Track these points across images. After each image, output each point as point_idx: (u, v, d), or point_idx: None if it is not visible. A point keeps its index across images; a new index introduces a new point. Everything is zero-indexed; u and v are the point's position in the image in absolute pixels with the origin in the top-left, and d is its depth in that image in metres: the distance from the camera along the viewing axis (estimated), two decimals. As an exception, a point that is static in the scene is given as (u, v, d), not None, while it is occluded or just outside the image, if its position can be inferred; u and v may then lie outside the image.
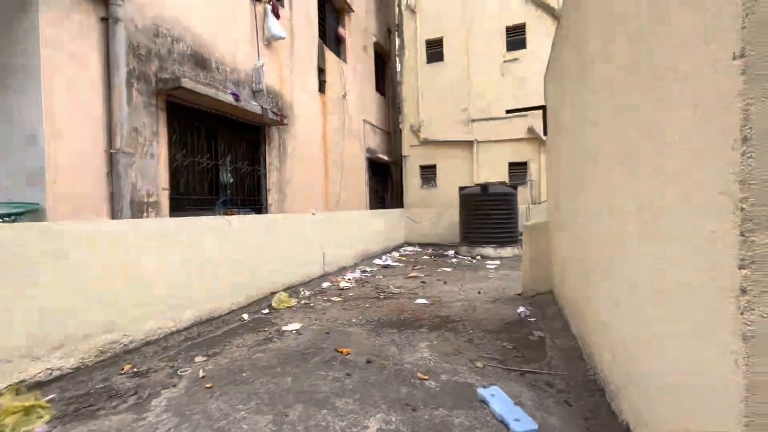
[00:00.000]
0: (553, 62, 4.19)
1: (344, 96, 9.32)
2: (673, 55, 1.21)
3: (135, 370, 2.88)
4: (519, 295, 5.01)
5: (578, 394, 2.32)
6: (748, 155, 0.86)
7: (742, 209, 0.87)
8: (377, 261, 8.14)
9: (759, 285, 0.86)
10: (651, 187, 1.43)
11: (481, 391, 2.33)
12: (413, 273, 6.75)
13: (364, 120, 10.79)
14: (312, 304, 4.81)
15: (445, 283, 5.90)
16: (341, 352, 3.14)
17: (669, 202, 1.26)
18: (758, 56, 0.84)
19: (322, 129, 8.39)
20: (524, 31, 10.77)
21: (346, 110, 9.52)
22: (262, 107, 5.72)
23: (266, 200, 6.39)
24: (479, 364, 2.85)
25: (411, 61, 11.90)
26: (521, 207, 9.89)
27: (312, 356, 3.10)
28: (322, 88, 8.34)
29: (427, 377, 2.64)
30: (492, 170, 11.03)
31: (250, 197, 6.10)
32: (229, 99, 5.03)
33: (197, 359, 3.10)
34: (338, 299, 5.03)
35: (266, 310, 4.50)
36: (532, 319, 3.95)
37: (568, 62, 3.15)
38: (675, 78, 1.20)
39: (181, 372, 2.85)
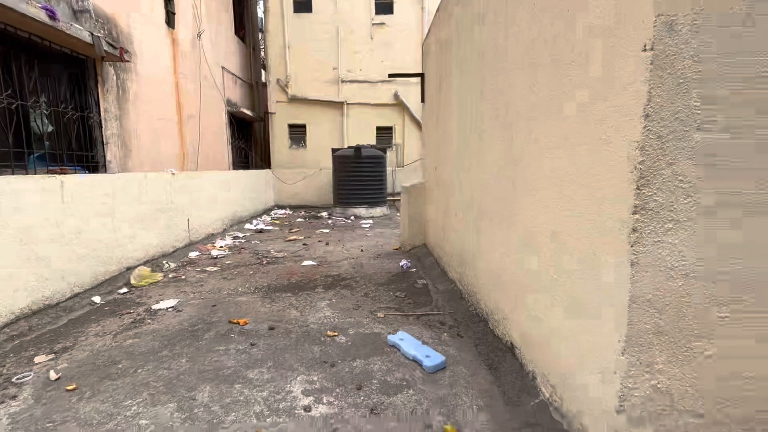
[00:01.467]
0: (437, 32, 4.44)
1: (199, 35, 7.94)
2: (590, 42, 1.46)
3: (-63, 387, 2.08)
4: (397, 249, 5.46)
5: (466, 327, 2.75)
6: (648, 128, 1.13)
7: (640, 169, 1.16)
8: (249, 226, 7.60)
9: (646, 225, 1.17)
10: (562, 153, 1.73)
11: (390, 337, 2.54)
12: (292, 236, 6.58)
13: (223, 67, 9.48)
14: (183, 277, 4.23)
15: (327, 244, 5.96)
16: (237, 323, 2.92)
17: (583, 161, 1.56)
18: (662, 50, 1.10)
19: (173, 71, 7.04)
20: (391, -5, 10.95)
21: (202, 53, 8.17)
22: (92, 34, 4.42)
23: (104, 156, 5.13)
24: (380, 315, 3.06)
25: (276, 6, 10.83)
26: (388, 169, 10.54)
27: (203, 332, 2.79)
28: (170, 22, 6.90)
29: (336, 333, 2.71)
30: (361, 133, 11.29)
31: (80, 152, 4.79)
32: (42, 16, 3.71)
33: (38, 359, 2.43)
34: (214, 269, 4.56)
35: (124, 290, 3.76)
36: (413, 270, 4.39)
37: (462, 33, 3.40)
38: (597, 62, 1.45)
39: (18, 379, 2.19)
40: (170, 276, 4.27)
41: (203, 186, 6.21)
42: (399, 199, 10.72)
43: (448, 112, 3.80)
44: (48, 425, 1.79)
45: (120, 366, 2.32)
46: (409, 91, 11.21)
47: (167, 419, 1.81)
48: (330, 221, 8.35)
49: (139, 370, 2.26)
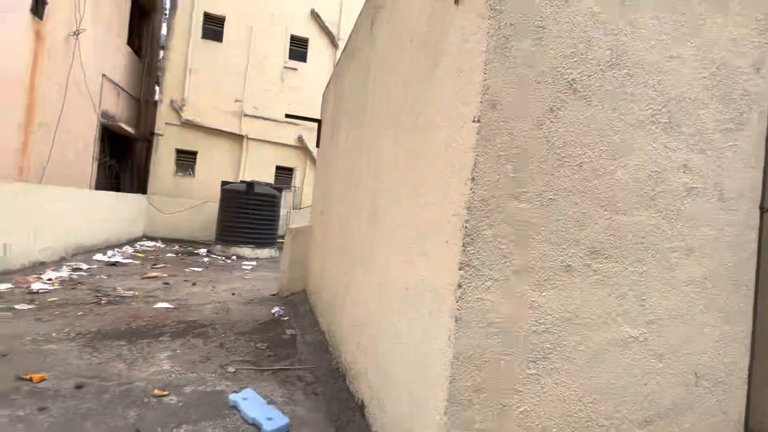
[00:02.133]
0: (335, 84, 4.61)
1: (75, 34, 6.99)
2: (435, 112, 1.58)
3: None
4: (274, 295, 5.08)
5: (324, 383, 2.56)
6: (473, 190, 1.22)
7: (466, 227, 1.23)
8: (100, 257, 6.38)
9: (470, 281, 1.22)
10: (412, 208, 1.78)
11: (232, 396, 2.20)
12: (153, 272, 5.69)
13: (104, 75, 8.42)
14: (-27, 316, 3.23)
15: (194, 284, 5.26)
16: (30, 379, 2.25)
17: (429, 214, 1.61)
18: (487, 122, 1.22)
19: (30, 69, 5.96)
20: (307, 45, 11.35)
21: (78, 55, 7.15)
22: None
23: None
24: (231, 369, 2.68)
25: (183, 28, 10.29)
26: (283, 211, 10.19)
27: (-31, 393, 2.06)
28: (38, 10, 5.95)
29: (166, 393, 2.26)
30: (259, 170, 10.87)
31: None
32: None
33: None
34: (27, 307, 3.60)
35: None
36: (285, 318, 4.08)
37: (352, 90, 3.55)
38: (435, 128, 1.57)
39: None
40: (-48, 313, 3.21)
41: (39, 204, 5.10)
42: (291, 243, 10.34)
43: (336, 159, 3.85)
44: None
45: None
46: (313, 137, 11.34)
47: None
48: (206, 259, 7.52)
49: None
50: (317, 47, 11.44)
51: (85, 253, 6.41)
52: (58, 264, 5.42)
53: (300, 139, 11.17)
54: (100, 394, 2.18)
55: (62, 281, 4.69)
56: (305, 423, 2.08)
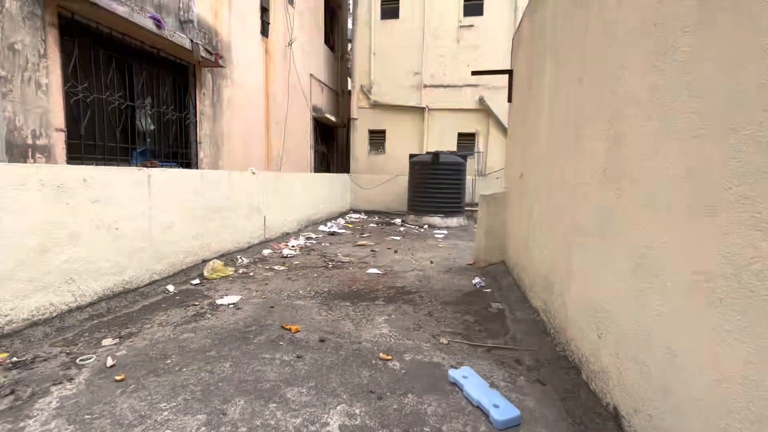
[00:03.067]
0: (529, 21, 3.91)
1: (290, 44, 8.35)
2: None
3: (14, 359, 2.22)
4: (471, 265, 4.94)
5: (551, 372, 2.20)
6: None
7: None
8: (323, 228, 7.69)
9: None
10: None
11: (452, 373, 2.11)
12: (362, 241, 6.43)
13: (311, 75, 9.89)
14: (252, 274, 4.28)
15: (395, 252, 5.67)
16: (289, 330, 2.75)
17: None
18: None
19: (264, 78, 7.46)
20: (482, -5, 10.42)
21: (292, 61, 8.58)
22: (191, 41, 4.78)
23: (196, 154, 5.54)
24: (443, 341, 2.64)
25: (365, 15, 11.03)
26: (468, 178, 9.95)
27: (255, 335, 2.66)
28: (264, 31, 7.33)
29: (389, 357, 2.37)
30: (441, 139, 10.89)
31: (176, 149, 5.22)
32: (149, 24, 4.08)
33: (105, 342, 2.51)
34: (282, 268, 4.56)
35: (197, 281, 3.90)
36: (487, 290, 3.86)
37: (561, 17, 2.87)
38: None
39: (81, 360, 2.26)
40: (240, 271, 4.35)
41: (283, 187, 6.40)
42: (476, 210, 10.07)
43: (538, 110, 3.25)
44: (86, 417, 1.75)
45: (169, 362, 2.27)
46: (495, 96, 10.52)
47: (191, 434, 1.65)
48: (402, 229, 8.08)
49: (184, 369, 2.18)
50: (494, -6, 10.35)
51: (313, 224, 7.83)
52: (296, 234, 6.77)
53: (481, 100, 10.54)
54: (338, 350, 2.46)
55: (301, 248, 5.80)
56: (537, 419, 1.79)
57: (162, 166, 4.06)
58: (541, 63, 3.20)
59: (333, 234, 7.17)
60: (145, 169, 3.47)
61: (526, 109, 3.73)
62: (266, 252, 5.34)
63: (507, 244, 4.52)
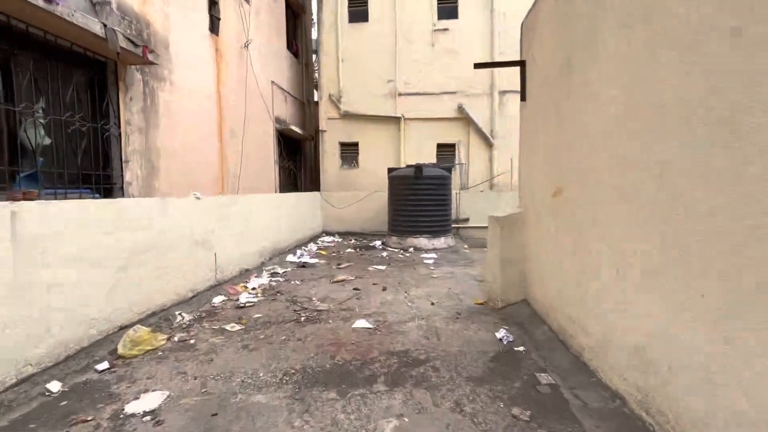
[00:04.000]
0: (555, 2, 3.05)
1: (246, 45, 7.23)
2: None
3: None
4: (482, 304, 3.95)
5: None
6: None
7: None
8: (291, 258, 6.48)
9: None
10: None
11: None
12: (340, 276, 5.30)
13: (272, 82, 8.77)
14: (192, 341, 3.06)
15: (384, 289, 4.59)
16: (238, 477, 1.60)
17: None
18: None
19: (216, 82, 6.28)
20: (457, -2, 9.81)
21: (250, 64, 7.44)
22: (104, 26, 3.57)
23: (122, 176, 4.25)
24: (502, 477, 1.59)
25: (331, 17, 10.11)
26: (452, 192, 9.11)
27: (173, 500, 1.49)
28: (214, 28, 6.18)
29: None
30: (419, 151, 10.03)
31: (92, 171, 3.92)
32: (30, -5, 2.85)
33: None
34: (236, 328, 3.36)
35: (104, 364, 2.63)
36: (520, 349, 2.86)
37: None
38: None
39: None
40: (176, 339, 3.11)
41: (240, 212, 5.19)
42: (464, 227, 9.22)
43: (589, 98, 2.34)
44: None
45: None
46: (475, 104, 9.83)
47: None
48: (384, 254, 7.01)
49: None
50: (469, -4, 9.76)
51: (280, 255, 6.61)
52: (259, 269, 5.55)
53: (460, 108, 9.81)
54: None
55: (264, 290, 4.60)
56: None
57: (80, 195, 2.81)
58: (594, 36, 2.30)
59: (304, 266, 5.99)
60: (7, 204, 2.22)
61: (560, 104, 2.83)
62: (217, 300, 4.10)
63: (531, 277, 3.57)
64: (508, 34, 9.68)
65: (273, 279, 5.13)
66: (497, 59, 9.69)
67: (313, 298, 4.20)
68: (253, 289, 4.62)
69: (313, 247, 7.71)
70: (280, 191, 9.33)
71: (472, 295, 4.26)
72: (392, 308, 3.85)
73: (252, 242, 5.53)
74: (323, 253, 7.12)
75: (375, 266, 5.90)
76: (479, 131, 9.89)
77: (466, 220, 8.98)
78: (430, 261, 6.32)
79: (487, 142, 9.93)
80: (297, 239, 7.70)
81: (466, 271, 5.54)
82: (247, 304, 4.01)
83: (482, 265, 3.99)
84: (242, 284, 4.75)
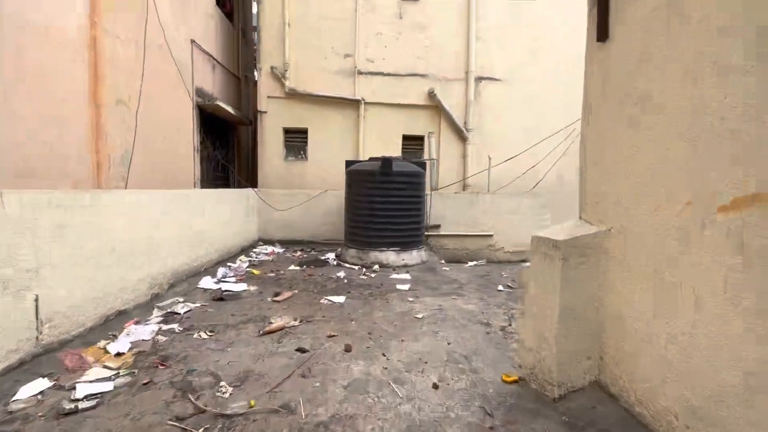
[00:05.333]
0: None
1: (145, -25, 5.06)
2: None
3: None
4: (515, 383, 2.36)
5: None
6: None
7: None
8: (207, 282, 4.49)
9: None
10: None
11: None
12: (276, 319, 3.44)
13: (192, 42, 6.61)
14: None
15: (347, 350, 2.82)
16: None
17: None
18: None
19: (89, 24, 4.11)
20: (429, -38, 8.29)
21: (154, 9, 5.28)
22: None
23: None
24: None
25: (273, -30, 8.10)
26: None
27: None
28: (81, -70, 4.01)
29: None
30: (382, 143, 8.38)
31: None
32: None
33: None
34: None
35: None
36: None
37: None
38: None
39: None
40: None
41: (101, 221, 3.14)
42: (434, 235, 7.71)
43: None
44: None
45: None
46: (448, 90, 8.39)
47: None
48: (342, 274, 5.24)
49: None
50: (443, -39, 8.30)
51: (189, 278, 4.58)
52: (146, 308, 3.53)
53: (431, 94, 8.30)
54: None
55: (139, 355, 2.64)
56: None
57: None
58: None
59: (222, 298, 4.03)
60: None
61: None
62: (24, 395, 2.10)
63: (618, 348, 2.03)
64: (488, 3, 8.37)
65: (165, 327, 3.15)
66: (475, 36, 8.34)
67: (222, 381, 2.33)
68: (119, 355, 2.63)
69: (243, 263, 5.71)
70: (203, 187, 7.18)
71: (491, 361, 2.66)
72: (367, 404, 2.12)
73: (131, 266, 3.48)
74: (256, 273, 5.17)
75: (329, 297, 4.12)
76: (452, 123, 8.46)
77: (438, 227, 7.48)
78: (405, 286, 4.67)
79: (461, 136, 8.54)
80: (220, 253, 5.66)
81: (458, 305, 3.96)
82: (84, 406, 2.05)
83: (518, 319, 2.40)
84: (100, 346, 2.74)
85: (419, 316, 3.60)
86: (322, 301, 4.01)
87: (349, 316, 3.55)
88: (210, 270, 5.11)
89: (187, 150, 6.57)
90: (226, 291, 4.25)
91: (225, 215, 5.95)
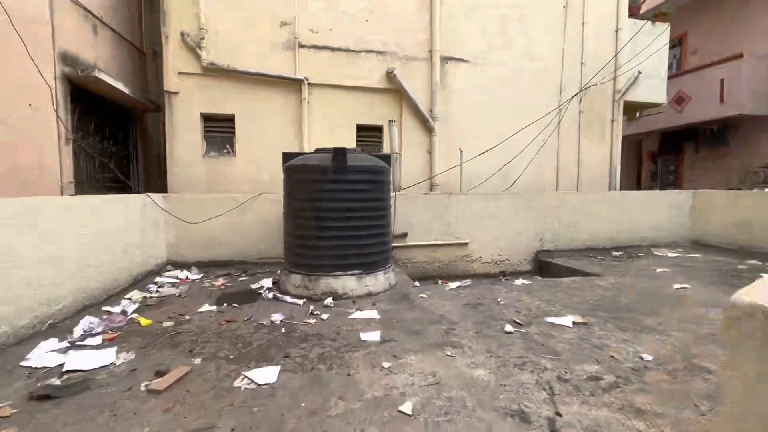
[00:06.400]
0: None
1: None
2: None
3: None
4: None
5: None
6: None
7: None
8: (41, 351, 2.63)
9: None
10: None
11: None
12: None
13: (49, -18, 4.58)
14: None
15: None
16: None
17: None
18: None
19: None
20: None
21: None
22: None
23: None
24: None
25: None
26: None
27: None
28: None
29: None
30: (332, 135, 6.80)
31: None
32: None
33: None
34: None
35: None
36: None
37: None
38: None
39: None
40: None
41: None
42: (400, 246, 6.29)
43: None
44: None
45: None
46: (411, 71, 7.03)
47: None
48: (278, 317, 3.57)
49: None
50: None
51: (14, 344, 2.70)
52: None
53: (390, 75, 6.87)
54: None
55: None
56: None
57: None
58: None
59: (48, 396, 2.22)
60: None
61: None
62: None
63: None
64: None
65: None
66: (440, 6, 7.04)
67: None
68: None
69: (129, 305, 3.84)
70: (83, 192, 5.15)
71: None
72: None
73: None
74: (143, 323, 3.36)
75: (251, 373, 2.48)
76: (416, 110, 7.08)
77: (404, 236, 6.06)
78: (374, 335, 3.14)
79: (426, 126, 7.19)
80: (90, 292, 3.75)
81: (460, 371, 2.52)
82: None
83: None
84: None
85: (406, 408, 2.10)
86: (237, 383, 2.36)
87: (283, 422, 1.96)
88: (67, 323, 3.24)
89: (46, 139, 4.53)
90: (68, 371, 2.46)
91: (106, 234, 4.04)
